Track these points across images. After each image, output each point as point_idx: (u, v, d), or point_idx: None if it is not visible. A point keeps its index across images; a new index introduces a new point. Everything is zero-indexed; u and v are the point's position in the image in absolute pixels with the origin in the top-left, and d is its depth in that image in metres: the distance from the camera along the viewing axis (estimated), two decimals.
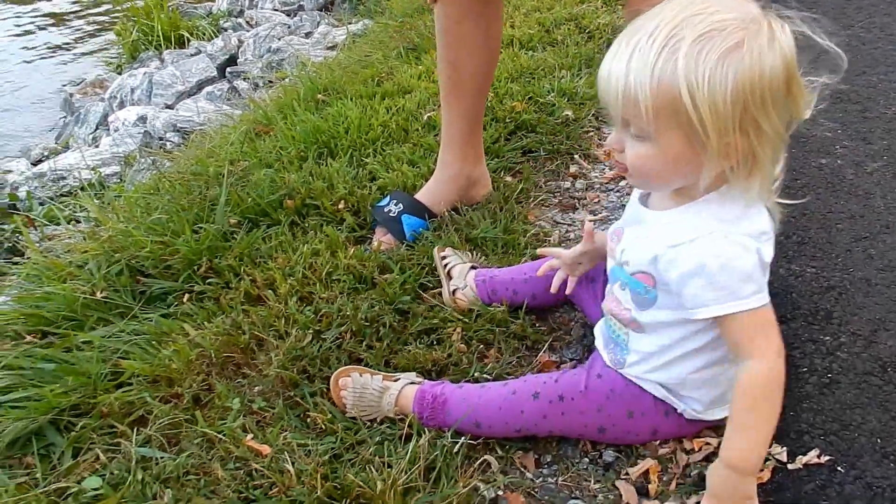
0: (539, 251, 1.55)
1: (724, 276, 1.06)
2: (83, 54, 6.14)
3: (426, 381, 1.42)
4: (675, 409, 1.28)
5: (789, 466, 1.24)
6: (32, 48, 6.34)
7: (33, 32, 6.69)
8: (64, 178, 3.18)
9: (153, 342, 1.58)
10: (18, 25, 6.91)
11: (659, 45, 0.99)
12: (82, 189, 2.57)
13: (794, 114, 1.05)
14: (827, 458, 1.23)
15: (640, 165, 1.09)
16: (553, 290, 1.53)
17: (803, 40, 1.02)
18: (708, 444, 1.32)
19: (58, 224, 2.24)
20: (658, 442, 1.34)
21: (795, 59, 1.02)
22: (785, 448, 1.26)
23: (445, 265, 1.71)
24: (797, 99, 1.04)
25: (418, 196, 1.98)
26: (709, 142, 1.00)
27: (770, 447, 1.27)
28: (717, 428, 1.33)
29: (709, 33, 0.98)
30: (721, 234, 1.07)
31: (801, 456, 1.24)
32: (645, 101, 1.00)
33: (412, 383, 1.40)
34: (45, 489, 1.26)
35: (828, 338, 1.47)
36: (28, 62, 6.06)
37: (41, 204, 2.75)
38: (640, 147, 1.07)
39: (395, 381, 1.40)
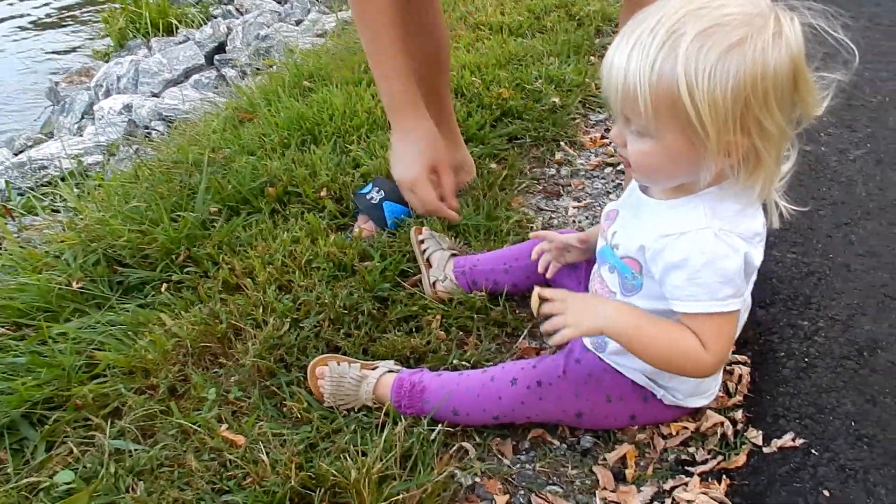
0: (532, 235, 1.53)
1: (706, 274, 1.05)
2: (70, 43, 6.09)
3: (404, 369, 1.41)
4: (654, 395, 1.28)
5: (765, 450, 1.23)
6: (19, 37, 6.28)
7: (20, 20, 6.63)
8: (45, 167, 3.15)
9: (129, 333, 1.56)
10: (5, 14, 6.85)
11: (660, 41, 0.96)
12: (63, 179, 2.55)
13: (802, 111, 1.02)
14: (802, 441, 1.23)
15: (642, 162, 1.07)
16: (540, 269, 1.50)
17: (816, 34, 0.99)
18: (685, 428, 1.32)
19: (36, 215, 2.22)
20: (636, 427, 1.34)
21: (803, 54, 0.98)
22: (761, 432, 1.26)
23: (424, 251, 1.70)
24: (805, 96, 1.00)
25: None
26: (708, 140, 0.98)
27: (746, 431, 1.27)
28: (696, 413, 1.33)
29: (711, 29, 0.95)
30: (712, 231, 1.05)
31: (776, 440, 1.24)
32: (644, 97, 0.97)
33: (390, 371, 1.39)
34: (17, 484, 1.25)
35: (806, 322, 1.47)
36: (14, 51, 6.02)
37: (20, 194, 2.73)
38: (641, 143, 1.05)
39: (374, 369, 1.39)
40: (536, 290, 1.20)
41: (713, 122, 0.96)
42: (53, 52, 5.90)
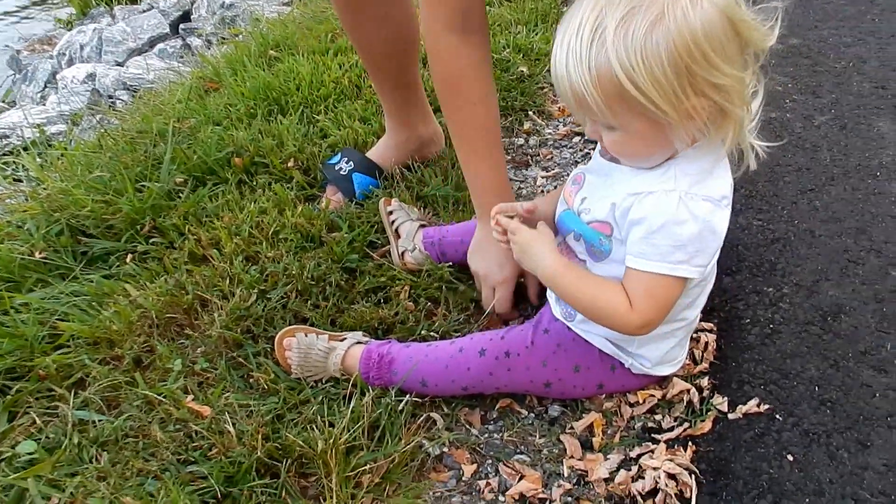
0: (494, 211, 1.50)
1: (660, 235, 1.07)
2: (33, 8, 5.95)
3: (373, 340, 1.41)
4: (622, 364, 1.28)
5: (730, 416, 1.25)
6: None
7: None
8: (7, 136, 3.09)
9: (94, 304, 1.55)
10: None
11: (587, 40, 0.98)
12: (25, 148, 2.49)
13: (753, 48, 1.03)
14: (766, 406, 1.25)
15: (620, 151, 1.10)
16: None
17: None
18: (652, 396, 1.33)
19: None
20: (603, 396, 1.35)
21: None
22: (726, 398, 1.28)
23: (392, 222, 1.68)
24: (749, 36, 1.01)
25: (370, 154, 1.94)
26: (667, 115, 0.99)
27: (712, 398, 1.29)
28: (663, 380, 1.34)
29: (629, 13, 0.96)
30: (678, 194, 1.06)
31: (741, 406, 1.26)
32: (592, 97, 0.99)
33: (359, 343, 1.38)
34: None
35: (771, 289, 1.49)
36: None
37: None
38: (612, 135, 1.07)
39: (342, 340, 1.39)
40: (495, 209, 1.30)
41: (663, 98, 0.97)
42: (15, 19, 5.76)
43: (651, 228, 1.07)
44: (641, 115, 1.00)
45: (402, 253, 1.63)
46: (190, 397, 1.31)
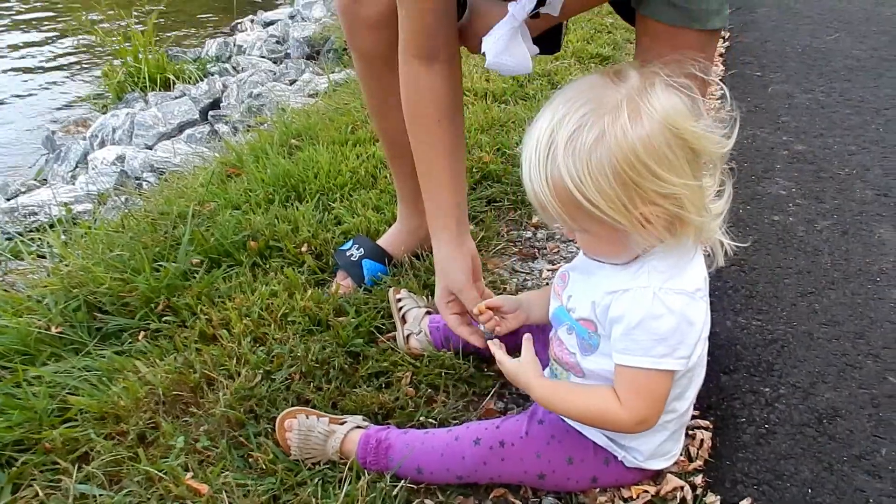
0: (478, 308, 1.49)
1: (640, 331, 1.11)
2: (72, 94, 6.20)
3: (372, 425, 1.43)
4: (616, 457, 1.30)
5: None
6: (23, 87, 6.39)
7: (21, 73, 6.76)
8: (35, 213, 3.20)
9: (104, 378, 1.58)
10: (7, 64, 6.99)
11: (542, 156, 1.06)
12: (51, 225, 2.58)
13: (708, 155, 1.09)
14: None
15: (589, 249, 1.20)
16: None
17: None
18: (646, 491, 1.33)
19: (22, 259, 2.25)
20: (597, 490, 1.35)
21: (680, 109, 1.05)
22: (719, 497, 1.28)
23: (400, 308, 1.73)
24: (700, 145, 1.06)
25: (381, 241, 2.00)
26: (619, 223, 1.06)
27: (706, 496, 1.29)
28: (657, 476, 1.35)
29: (575, 133, 1.03)
30: (652, 290, 1.11)
31: None
32: (551, 205, 1.07)
33: (358, 427, 1.41)
34: None
35: (767, 389, 1.50)
36: (19, 97, 6.13)
37: (9, 239, 2.76)
38: (581, 235, 1.16)
39: (342, 423, 1.41)
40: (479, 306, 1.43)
41: (612, 208, 1.04)
42: (54, 102, 6.01)
43: (630, 325, 1.11)
44: (598, 221, 1.07)
45: (408, 336, 1.67)
46: (190, 475, 1.33)
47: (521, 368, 1.28)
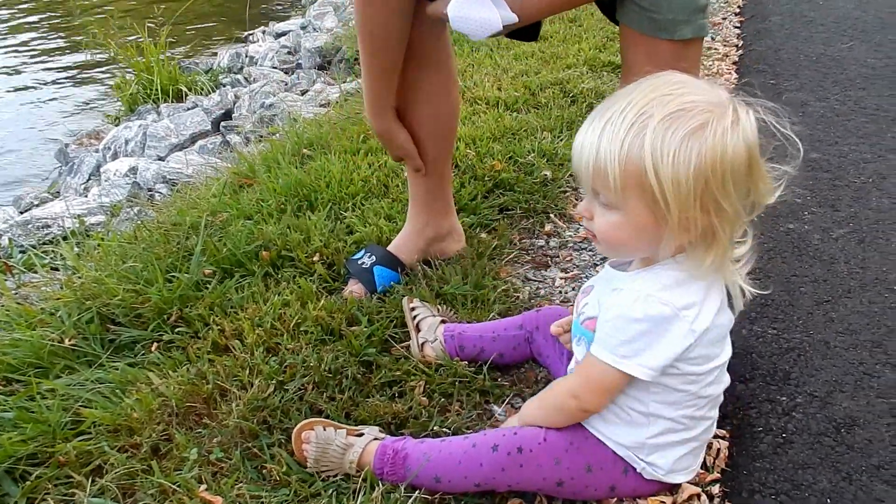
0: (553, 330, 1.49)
1: (611, 326, 1.14)
2: (84, 106, 6.25)
3: (388, 436, 1.42)
4: (635, 468, 1.29)
5: None
6: (36, 100, 6.46)
7: (36, 87, 6.82)
8: (48, 226, 3.21)
9: (117, 391, 1.58)
10: (22, 78, 7.06)
11: (629, 121, 1.05)
12: (64, 238, 2.60)
13: (755, 197, 1.10)
14: None
15: (607, 233, 1.15)
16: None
17: (767, 128, 1.08)
18: (662, 502, 1.32)
19: (35, 272, 2.26)
20: (614, 500, 1.34)
21: (758, 144, 1.07)
22: None
23: (415, 317, 1.72)
24: (758, 182, 1.09)
25: (391, 247, 2.00)
26: (670, 215, 1.06)
27: None
28: (674, 487, 1.33)
29: (676, 113, 1.04)
30: (642, 293, 1.12)
31: None
32: (613, 173, 1.06)
33: (375, 439, 1.39)
34: None
35: (784, 398, 1.49)
36: (32, 109, 6.19)
37: (22, 251, 2.78)
38: (608, 215, 1.13)
39: (359, 435, 1.40)
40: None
41: (676, 198, 1.04)
42: (67, 114, 6.06)
43: (606, 318, 1.15)
44: (647, 205, 1.07)
45: (422, 344, 1.67)
46: (203, 487, 1.33)
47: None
